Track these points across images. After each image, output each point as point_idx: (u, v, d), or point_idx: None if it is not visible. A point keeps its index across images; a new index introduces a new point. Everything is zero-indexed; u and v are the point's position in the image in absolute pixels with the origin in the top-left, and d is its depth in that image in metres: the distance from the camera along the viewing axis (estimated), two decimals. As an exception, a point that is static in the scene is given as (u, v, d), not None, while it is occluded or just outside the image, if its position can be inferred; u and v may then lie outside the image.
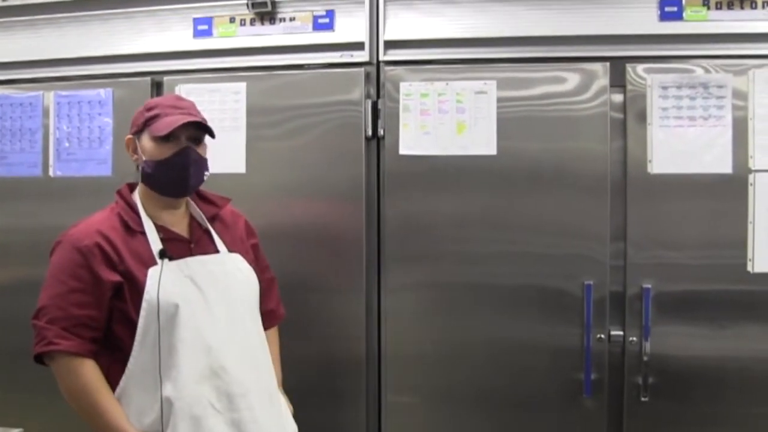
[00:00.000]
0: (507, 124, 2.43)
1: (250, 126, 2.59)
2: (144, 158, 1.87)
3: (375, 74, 2.55)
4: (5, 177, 2.82)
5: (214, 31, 2.67)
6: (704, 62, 2.37)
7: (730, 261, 2.33)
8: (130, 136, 1.93)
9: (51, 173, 2.78)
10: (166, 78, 2.67)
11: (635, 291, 2.37)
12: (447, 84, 2.48)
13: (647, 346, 2.34)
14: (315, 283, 2.54)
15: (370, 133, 2.52)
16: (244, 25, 2.66)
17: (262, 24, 2.64)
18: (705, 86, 2.36)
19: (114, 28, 2.74)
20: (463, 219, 2.45)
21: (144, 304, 1.77)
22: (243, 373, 1.85)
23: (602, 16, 2.41)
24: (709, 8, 2.38)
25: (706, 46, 2.38)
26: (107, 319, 1.81)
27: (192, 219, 1.98)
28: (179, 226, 1.95)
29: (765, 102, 2.33)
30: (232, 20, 2.66)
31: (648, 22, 2.40)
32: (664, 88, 2.37)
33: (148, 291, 1.77)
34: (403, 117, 2.49)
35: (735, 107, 2.34)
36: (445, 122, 2.47)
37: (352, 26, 2.57)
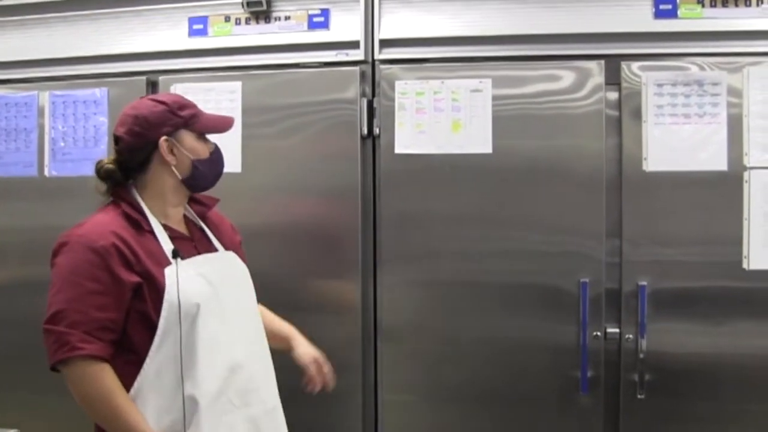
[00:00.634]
0: (502, 122, 2.43)
1: (245, 125, 2.58)
2: (192, 157, 1.84)
3: (370, 73, 2.55)
4: (0, 177, 2.82)
5: (210, 31, 2.67)
6: (699, 60, 2.37)
7: (726, 258, 2.34)
8: (165, 138, 1.82)
9: (46, 173, 2.78)
10: (161, 77, 2.67)
11: (631, 288, 2.37)
12: (442, 82, 2.48)
13: (643, 344, 2.34)
14: (310, 281, 2.54)
15: (365, 131, 2.52)
16: (240, 24, 2.65)
17: (258, 23, 2.64)
18: (700, 84, 2.36)
19: (107, 28, 2.74)
20: (458, 217, 2.46)
21: (165, 305, 1.73)
22: (255, 369, 1.86)
23: (597, 14, 2.42)
24: (703, 6, 2.38)
25: (700, 44, 2.38)
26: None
27: (186, 218, 1.98)
28: (180, 224, 1.94)
29: (759, 99, 2.34)
30: (227, 19, 2.66)
31: (643, 19, 2.40)
32: (659, 85, 2.38)
33: (168, 291, 1.74)
34: (398, 115, 2.49)
35: (730, 104, 2.35)
36: (441, 120, 2.47)
37: (347, 25, 2.57)
